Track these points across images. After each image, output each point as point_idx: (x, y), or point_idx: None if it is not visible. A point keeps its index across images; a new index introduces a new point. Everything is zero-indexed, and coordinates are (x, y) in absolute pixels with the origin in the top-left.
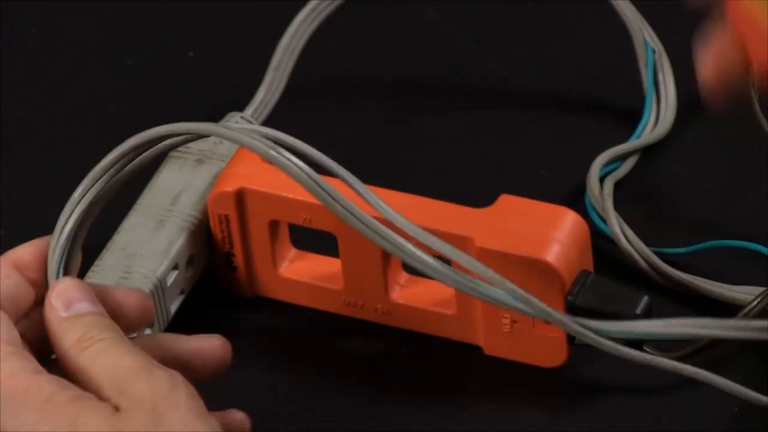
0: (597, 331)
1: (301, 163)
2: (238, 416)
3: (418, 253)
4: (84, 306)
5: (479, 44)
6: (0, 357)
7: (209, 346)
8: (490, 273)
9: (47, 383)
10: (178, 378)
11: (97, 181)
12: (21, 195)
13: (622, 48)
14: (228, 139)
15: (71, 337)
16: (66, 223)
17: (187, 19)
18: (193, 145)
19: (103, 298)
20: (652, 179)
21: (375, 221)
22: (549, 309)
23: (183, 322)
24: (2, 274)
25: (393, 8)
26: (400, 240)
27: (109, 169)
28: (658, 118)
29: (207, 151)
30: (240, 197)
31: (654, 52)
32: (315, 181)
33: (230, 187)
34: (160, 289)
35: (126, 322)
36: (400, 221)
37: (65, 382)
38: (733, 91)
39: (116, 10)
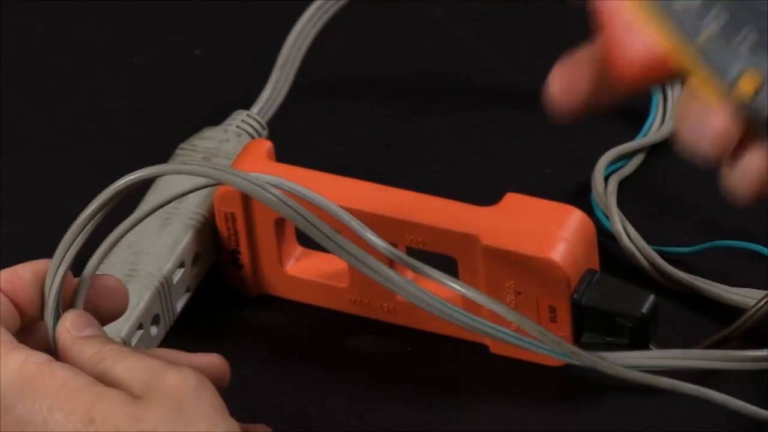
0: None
1: (276, 192)
2: (264, 430)
3: (392, 273)
4: (94, 330)
5: (484, 43)
6: (8, 349)
7: (208, 364)
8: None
9: (60, 369)
10: (205, 378)
11: (86, 225)
12: (24, 194)
13: None
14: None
15: (88, 351)
16: (57, 270)
17: (194, 17)
18: (199, 143)
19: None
20: (658, 178)
21: (352, 245)
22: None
23: (189, 320)
24: None
25: (398, 7)
26: (382, 267)
27: (100, 211)
28: (665, 117)
29: (213, 149)
30: (246, 195)
31: None
32: (295, 210)
33: None
34: (166, 286)
35: (97, 311)
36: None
37: (78, 370)
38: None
39: (122, 8)
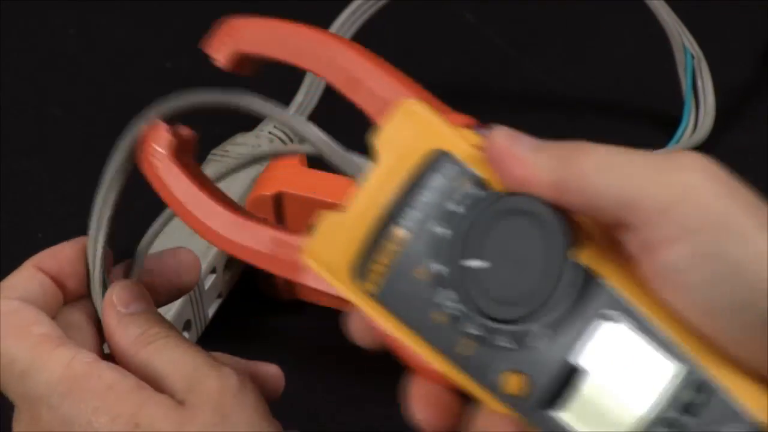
0: None
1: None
2: None
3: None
4: (142, 305)
5: (516, 47)
6: (55, 346)
7: (265, 374)
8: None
9: (107, 371)
10: (246, 378)
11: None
12: (58, 197)
13: (661, 53)
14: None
15: (133, 333)
16: (97, 237)
17: None
18: (232, 149)
19: (156, 264)
20: None
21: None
22: None
23: (220, 326)
24: (26, 277)
25: (431, 12)
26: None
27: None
28: (697, 124)
29: (246, 155)
30: (278, 201)
31: (693, 57)
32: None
33: (268, 190)
34: (197, 292)
35: (179, 283)
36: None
37: (125, 371)
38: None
39: (155, 13)
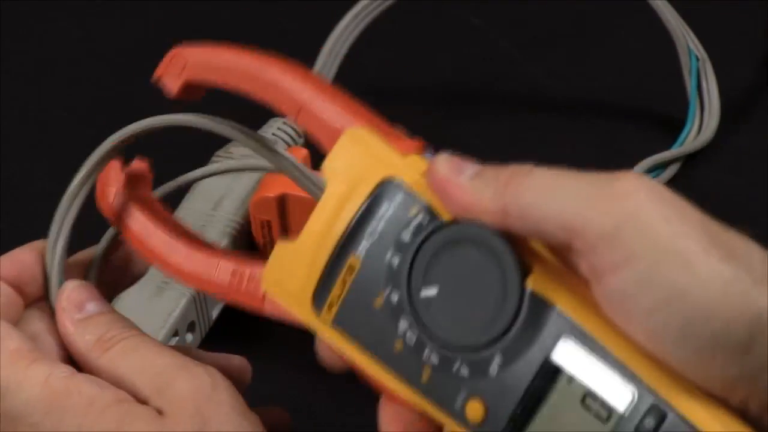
0: None
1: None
2: (282, 415)
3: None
4: (96, 306)
5: (521, 50)
6: (30, 362)
7: (228, 365)
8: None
9: (86, 384)
10: (217, 375)
11: (80, 191)
12: (60, 199)
13: (665, 55)
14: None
15: (90, 339)
16: (56, 243)
17: (230, 24)
18: (235, 151)
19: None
20: (694, 187)
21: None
22: None
23: (224, 328)
24: None
25: (435, 15)
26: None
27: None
28: (701, 126)
29: (249, 156)
30: (282, 203)
31: (698, 59)
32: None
33: (272, 192)
34: (201, 294)
35: (135, 269)
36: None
37: (102, 382)
38: None
39: (158, 15)
